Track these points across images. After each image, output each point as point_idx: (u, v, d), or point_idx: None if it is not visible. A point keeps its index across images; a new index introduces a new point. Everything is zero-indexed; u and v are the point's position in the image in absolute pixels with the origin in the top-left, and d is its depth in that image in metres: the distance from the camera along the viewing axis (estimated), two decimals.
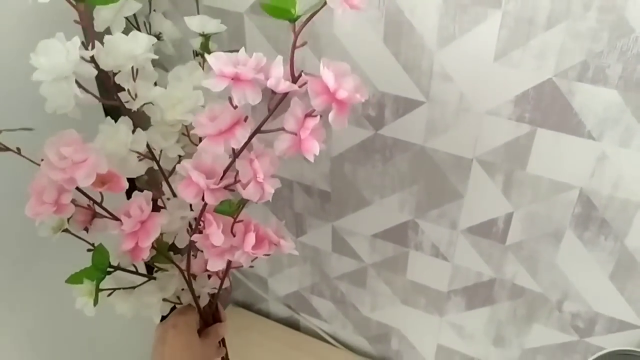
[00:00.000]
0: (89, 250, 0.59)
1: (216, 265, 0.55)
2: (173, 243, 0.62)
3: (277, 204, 0.93)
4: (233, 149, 0.48)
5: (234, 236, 0.55)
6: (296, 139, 0.46)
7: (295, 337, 1.08)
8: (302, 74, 0.45)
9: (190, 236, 0.56)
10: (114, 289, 0.60)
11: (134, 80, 0.56)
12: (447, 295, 0.88)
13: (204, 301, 0.66)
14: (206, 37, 0.63)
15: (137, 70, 0.56)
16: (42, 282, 0.76)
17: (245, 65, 0.45)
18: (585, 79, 0.61)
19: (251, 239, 0.54)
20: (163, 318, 0.66)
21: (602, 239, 0.70)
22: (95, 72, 0.52)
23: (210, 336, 0.67)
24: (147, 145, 0.58)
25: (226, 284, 0.65)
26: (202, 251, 0.57)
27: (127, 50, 0.53)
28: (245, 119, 0.47)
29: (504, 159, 0.70)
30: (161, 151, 0.59)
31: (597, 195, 0.67)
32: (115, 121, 0.56)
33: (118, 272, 0.60)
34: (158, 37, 0.66)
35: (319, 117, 0.45)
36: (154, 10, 0.66)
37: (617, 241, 0.69)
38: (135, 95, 0.56)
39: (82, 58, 0.50)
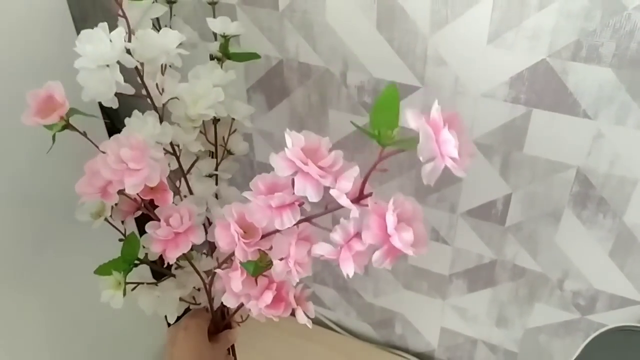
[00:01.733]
0: (120, 240, 0.59)
1: (230, 301, 0.54)
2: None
3: None
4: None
5: (256, 284, 0.53)
6: (337, 251, 0.44)
7: (299, 325, 1.08)
8: (371, 196, 0.42)
9: (206, 235, 0.56)
10: (139, 283, 0.60)
11: (163, 74, 0.57)
12: (449, 278, 0.89)
13: (217, 303, 0.67)
14: (226, 39, 0.63)
15: (165, 65, 0.57)
16: (48, 279, 0.77)
17: (317, 160, 0.41)
18: (579, 58, 0.61)
19: (268, 297, 0.52)
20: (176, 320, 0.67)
21: (600, 216, 0.71)
22: (136, 62, 0.53)
23: (221, 341, 0.67)
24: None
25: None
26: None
27: (162, 44, 0.54)
28: (300, 204, 0.45)
29: (501, 140, 0.71)
30: (180, 148, 0.60)
31: (594, 173, 0.68)
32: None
33: (140, 268, 0.60)
34: None
35: (367, 244, 0.42)
36: (175, 15, 0.66)
37: (616, 218, 0.70)
38: (163, 90, 0.57)
39: (126, 48, 0.51)
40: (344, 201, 0.41)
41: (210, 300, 0.64)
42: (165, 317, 0.65)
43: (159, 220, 0.55)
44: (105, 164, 0.49)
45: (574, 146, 0.67)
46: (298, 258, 0.47)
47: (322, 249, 0.45)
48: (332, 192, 0.41)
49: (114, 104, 0.54)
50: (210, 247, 0.64)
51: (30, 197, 0.70)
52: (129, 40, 0.53)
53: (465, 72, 0.67)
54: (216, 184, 0.67)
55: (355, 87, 0.74)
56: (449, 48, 0.66)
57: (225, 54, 0.64)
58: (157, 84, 0.57)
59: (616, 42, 0.58)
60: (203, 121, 0.59)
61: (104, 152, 0.50)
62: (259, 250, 0.49)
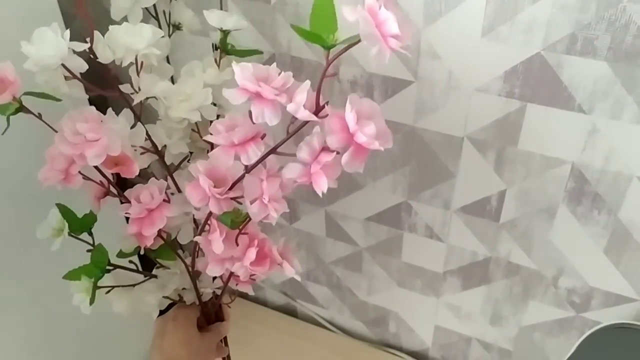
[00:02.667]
0: (88, 250, 0.58)
1: (215, 271, 0.54)
2: (175, 238, 0.61)
3: None
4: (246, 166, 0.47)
5: (237, 245, 0.53)
6: (307, 170, 0.44)
7: (293, 324, 1.08)
8: (327, 105, 0.42)
9: (194, 235, 0.55)
10: (112, 287, 0.59)
11: (138, 73, 0.54)
12: (442, 276, 0.88)
13: (206, 299, 0.66)
14: (225, 33, 0.61)
15: (141, 63, 0.54)
16: (39, 274, 0.76)
17: (269, 84, 0.42)
18: (574, 52, 0.60)
19: (252, 254, 0.52)
20: (163, 312, 0.65)
21: (595, 213, 0.70)
22: (86, 66, 0.51)
23: (211, 332, 0.66)
24: (151, 140, 0.57)
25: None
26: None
27: (127, 43, 0.51)
28: (263, 137, 0.46)
29: (495, 136, 0.70)
30: (165, 146, 0.59)
31: (589, 169, 0.67)
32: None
33: (119, 270, 0.59)
34: (177, 27, 0.64)
35: (335, 153, 0.42)
36: (175, 0, 0.64)
37: (611, 215, 0.69)
38: (139, 89, 0.54)
39: (73, 51, 0.49)
40: (303, 113, 0.41)
41: (199, 295, 0.63)
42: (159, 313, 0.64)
43: (129, 201, 0.54)
44: (63, 140, 0.48)
45: (569, 141, 0.66)
46: (271, 194, 0.46)
47: (291, 171, 0.44)
48: (289, 107, 0.41)
49: (69, 105, 0.51)
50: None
51: (16, 193, 0.69)
52: (91, 41, 0.50)
53: (459, 66, 0.67)
54: None
55: (348, 82, 0.73)
56: (442, 42, 0.66)
57: (223, 49, 0.61)
58: (131, 83, 0.54)
59: (611, 35, 0.57)
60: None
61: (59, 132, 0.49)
62: (233, 200, 0.49)
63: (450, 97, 0.69)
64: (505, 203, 0.75)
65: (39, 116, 0.52)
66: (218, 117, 0.58)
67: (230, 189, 0.48)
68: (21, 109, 0.51)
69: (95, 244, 0.58)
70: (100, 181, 0.55)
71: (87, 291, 0.55)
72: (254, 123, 0.43)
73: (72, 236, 0.57)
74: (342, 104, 0.77)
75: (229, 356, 0.71)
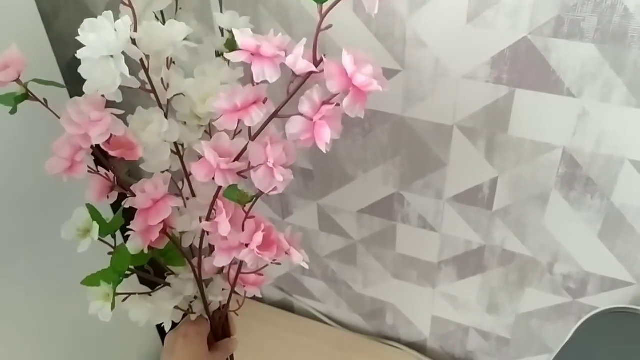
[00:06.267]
0: (109, 253, 0.57)
1: (222, 260, 0.53)
2: (192, 245, 0.61)
3: None
4: (250, 134, 0.47)
5: (243, 230, 0.53)
6: (309, 124, 0.44)
7: (291, 320, 1.08)
8: (324, 57, 0.43)
9: (201, 221, 0.55)
10: (130, 294, 0.58)
11: (168, 67, 0.55)
12: (437, 266, 0.87)
13: (213, 308, 0.65)
14: (233, 35, 0.61)
15: (171, 59, 0.55)
16: (32, 280, 0.75)
17: (268, 42, 0.44)
18: (561, 35, 0.59)
19: (259, 237, 0.51)
20: (175, 324, 0.65)
21: (588, 197, 0.69)
22: (142, 54, 0.51)
23: (220, 350, 0.65)
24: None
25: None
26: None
27: (168, 35, 0.52)
28: (264, 101, 0.46)
29: (485, 123, 0.69)
30: (184, 147, 0.58)
31: (581, 153, 0.66)
32: None
33: (132, 277, 0.58)
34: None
35: (335, 104, 0.43)
36: (181, 9, 0.64)
37: (604, 199, 0.68)
38: (168, 85, 0.54)
39: (131, 39, 0.49)
40: (302, 64, 0.42)
41: (206, 302, 0.62)
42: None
43: (134, 194, 0.55)
44: (68, 121, 0.50)
45: (559, 126, 0.65)
46: (276, 158, 0.46)
47: (295, 126, 0.44)
48: (288, 59, 0.42)
49: (118, 98, 0.51)
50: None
51: (19, 193, 0.69)
52: (135, 31, 0.50)
53: (445, 54, 0.66)
54: None
55: None
56: (428, 29, 0.65)
57: (232, 50, 0.61)
58: (162, 79, 0.54)
59: (598, 17, 0.57)
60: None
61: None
62: (239, 175, 0.49)
63: (438, 85, 0.68)
64: (497, 190, 0.74)
65: (45, 102, 0.53)
66: None
67: (235, 160, 0.48)
68: (27, 95, 0.52)
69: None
70: (106, 174, 0.55)
71: (105, 298, 0.54)
72: (255, 85, 0.44)
73: (102, 240, 0.57)
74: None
75: (232, 357, 0.71)
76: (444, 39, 0.65)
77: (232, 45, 0.60)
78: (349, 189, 0.85)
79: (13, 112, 0.52)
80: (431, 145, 0.74)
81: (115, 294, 0.55)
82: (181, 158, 0.59)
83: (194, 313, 0.65)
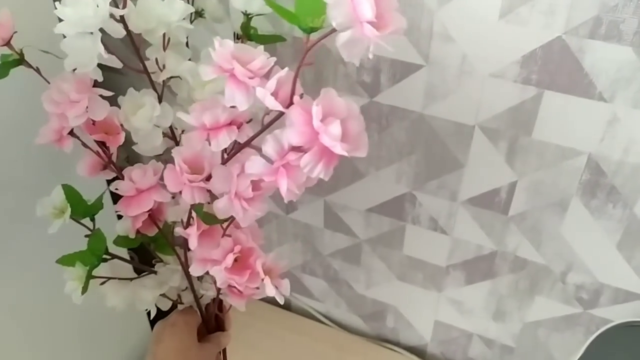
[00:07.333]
0: (86, 235, 0.55)
1: (197, 270, 0.51)
2: (173, 231, 0.57)
3: None
4: (222, 155, 0.44)
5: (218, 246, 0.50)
6: (272, 168, 0.39)
7: (287, 318, 1.05)
8: (302, 97, 0.38)
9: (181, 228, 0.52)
10: (108, 278, 0.55)
11: (164, 49, 0.52)
12: (445, 270, 0.85)
13: (205, 302, 0.62)
14: (248, 17, 0.57)
15: (168, 39, 0.52)
16: (18, 269, 0.71)
17: (243, 65, 0.38)
18: (598, 36, 0.57)
19: (229, 260, 0.49)
20: (165, 314, 0.62)
21: (610, 206, 0.67)
22: (124, 32, 0.48)
23: (211, 343, 0.62)
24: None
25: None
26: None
27: (161, 14, 0.49)
28: (239, 126, 0.42)
29: (508, 124, 0.66)
30: (182, 132, 0.55)
31: (607, 160, 0.64)
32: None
33: (116, 260, 0.56)
34: (200, 13, 0.61)
35: (303, 153, 0.37)
36: None
37: (627, 208, 0.66)
38: (163, 67, 0.52)
39: (112, 16, 0.46)
40: (270, 101, 0.36)
41: (196, 296, 0.59)
42: (148, 313, 0.60)
43: (122, 177, 0.53)
44: (48, 98, 0.49)
45: (587, 131, 0.63)
46: (240, 190, 0.42)
47: (254, 166, 0.39)
48: (257, 92, 0.37)
49: (98, 77, 0.49)
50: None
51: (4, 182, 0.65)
52: (124, 7, 0.47)
53: (473, 50, 0.63)
54: None
55: (353, 65, 0.69)
56: (457, 24, 0.62)
57: (246, 34, 0.58)
58: (156, 59, 0.52)
59: (639, 19, 0.54)
60: None
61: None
62: (210, 193, 0.45)
63: (463, 83, 0.66)
64: (515, 195, 0.72)
65: (37, 70, 0.51)
66: None
67: (207, 179, 0.44)
68: (21, 61, 0.50)
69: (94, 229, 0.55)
70: (98, 152, 0.53)
71: (80, 279, 0.51)
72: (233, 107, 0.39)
73: (73, 219, 0.54)
74: (348, 89, 0.73)
75: (224, 351, 0.68)
76: (473, 34, 0.62)
77: (246, 29, 0.57)
78: (359, 186, 0.82)
79: (2, 76, 0.50)
80: (450, 145, 0.71)
81: (92, 277, 0.53)
82: (177, 143, 0.56)
83: (182, 303, 0.63)
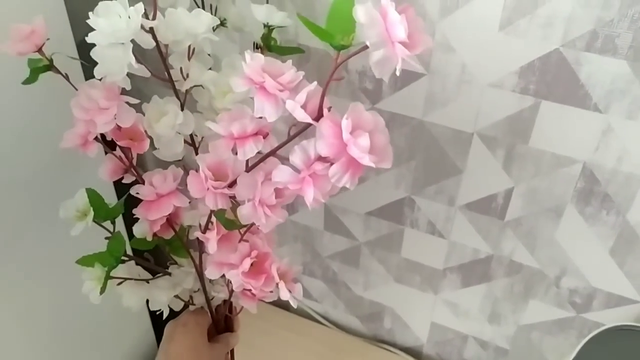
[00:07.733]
0: (106, 238, 0.56)
1: (212, 273, 0.53)
2: (188, 234, 0.59)
3: None
4: (247, 163, 0.45)
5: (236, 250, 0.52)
6: (298, 177, 0.40)
7: (285, 318, 1.06)
8: (329, 110, 0.39)
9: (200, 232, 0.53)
10: (125, 279, 0.57)
11: (189, 59, 0.53)
12: (442, 272, 0.87)
13: (216, 304, 0.64)
14: (270, 29, 0.59)
15: (193, 49, 0.53)
16: (25, 270, 0.72)
17: (273, 78, 0.39)
18: (594, 49, 0.59)
19: (246, 264, 0.50)
20: (176, 314, 0.64)
21: (603, 213, 0.69)
22: (154, 43, 0.49)
23: (220, 343, 0.64)
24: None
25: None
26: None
27: (189, 26, 0.50)
28: (265, 136, 0.43)
29: (506, 132, 0.68)
30: (202, 139, 0.57)
31: (601, 169, 0.66)
32: None
33: (132, 262, 0.57)
34: (222, 23, 0.62)
35: (329, 164, 0.39)
36: None
37: (619, 216, 0.68)
38: (187, 76, 0.53)
39: (142, 27, 0.47)
40: (299, 113, 0.38)
41: (208, 297, 0.61)
42: (150, 312, 0.61)
43: (143, 182, 0.54)
44: (77, 104, 0.50)
45: (582, 140, 0.65)
46: (263, 197, 0.43)
47: (281, 174, 0.41)
48: (287, 105, 0.38)
49: (126, 85, 0.50)
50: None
51: (14, 181, 0.66)
52: (154, 18, 0.48)
53: (473, 60, 0.65)
54: None
55: (356, 73, 0.71)
56: (458, 34, 0.64)
57: (266, 45, 0.59)
58: (181, 69, 0.53)
59: (633, 34, 0.56)
60: None
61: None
62: (232, 200, 0.47)
63: (462, 92, 0.67)
64: (511, 201, 0.74)
65: (66, 76, 0.53)
66: None
67: (229, 186, 0.46)
68: (51, 67, 0.52)
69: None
70: (120, 156, 0.54)
71: (98, 280, 0.53)
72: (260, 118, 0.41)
73: (96, 222, 0.55)
74: (350, 95, 0.75)
75: (232, 352, 0.69)
76: (474, 45, 0.64)
77: (267, 40, 0.58)
78: (359, 190, 0.84)
79: (29, 82, 0.51)
80: (448, 151, 0.73)
81: (109, 278, 0.54)
82: (196, 150, 0.57)
83: (194, 305, 0.64)
